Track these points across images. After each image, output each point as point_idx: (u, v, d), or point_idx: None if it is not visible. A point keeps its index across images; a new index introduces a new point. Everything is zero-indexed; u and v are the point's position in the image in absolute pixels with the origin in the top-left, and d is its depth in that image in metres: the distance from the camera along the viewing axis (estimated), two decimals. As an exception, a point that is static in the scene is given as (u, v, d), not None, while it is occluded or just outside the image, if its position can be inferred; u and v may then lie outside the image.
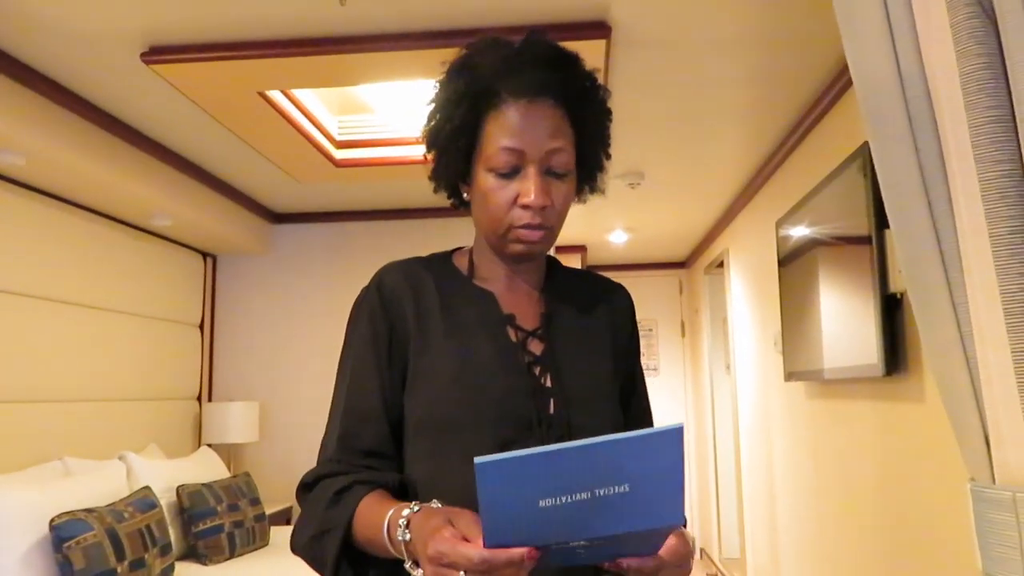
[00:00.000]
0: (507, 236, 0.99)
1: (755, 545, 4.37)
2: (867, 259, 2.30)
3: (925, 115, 1.01)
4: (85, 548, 2.50)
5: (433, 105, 1.03)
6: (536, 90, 0.97)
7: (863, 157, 2.31)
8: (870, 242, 2.27)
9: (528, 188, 0.95)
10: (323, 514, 0.96)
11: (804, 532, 3.32)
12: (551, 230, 1.00)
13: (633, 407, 1.12)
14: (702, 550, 6.01)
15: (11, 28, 2.33)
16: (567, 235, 5.10)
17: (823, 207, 2.73)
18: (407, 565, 0.85)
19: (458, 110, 0.99)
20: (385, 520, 0.86)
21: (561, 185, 0.99)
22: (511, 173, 0.97)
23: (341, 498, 0.95)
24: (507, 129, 0.96)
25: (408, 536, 0.84)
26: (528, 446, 0.94)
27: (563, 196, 1.00)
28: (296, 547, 0.99)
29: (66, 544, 2.46)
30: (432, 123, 1.03)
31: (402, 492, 1.00)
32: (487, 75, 0.98)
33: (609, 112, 1.06)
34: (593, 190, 1.10)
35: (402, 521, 0.85)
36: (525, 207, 0.96)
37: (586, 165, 1.05)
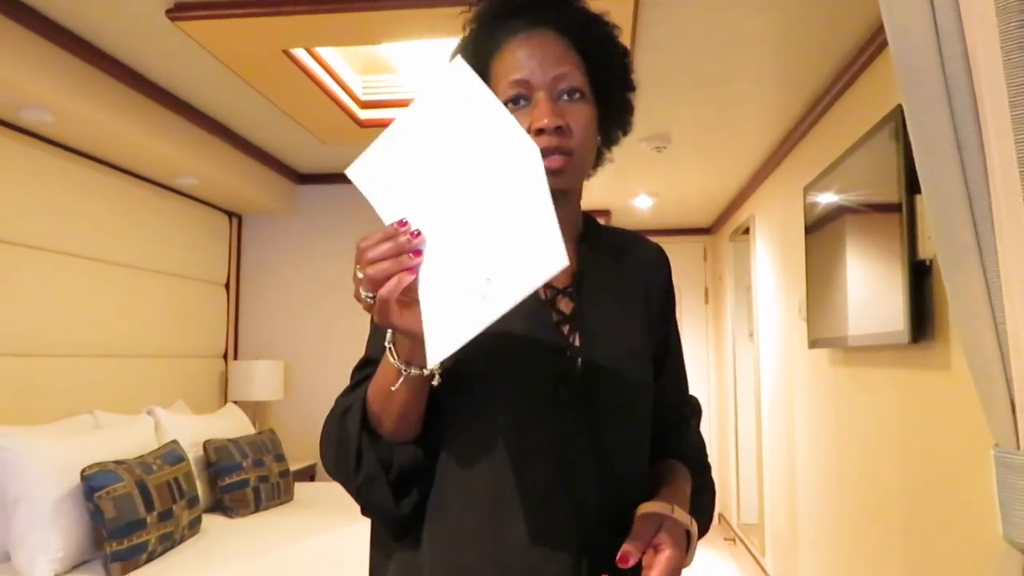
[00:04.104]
0: None
1: (773, 511, 4.39)
2: (896, 225, 2.27)
3: (961, 75, 0.99)
4: (115, 498, 2.56)
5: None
6: (534, 23, 0.97)
7: (895, 121, 2.27)
8: (900, 208, 2.24)
9: (539, 113, 0.93)
10: (340, 402, 0.99)
11: (823, 498, 3.33)
12: (572, 155, 0.95)
13: (667, 368, 1.10)
14: (720, 515, 6.04)
15: (39, -16, 2.34)
16: (591, 199, 5.07)
17: (853, 172, 2.69)
18: (397, 364, 0.87)
19: (465, 59, 0.99)
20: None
21: (576, 108, 0.96)
22: (522, 106, 0.96)
23: (355, 389, 0.99)
24: (510, 65, 0.96)
25: (391, 338, 0.88)
26: (552, 404, 0.95)
27: (581, 119, 0.96)
28: (322, 449, 0.99)
29: (97, 494, 2.53)
30: None
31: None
32: (488, 23, 0.99)
33: (621, 45, 1.03)
34: (622, 130, 1.07)
35: (389, 336, 0.88)
36: (540, 132, 0.93)
37: (603, 98, 1.01)
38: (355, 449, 0.93)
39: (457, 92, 0.82)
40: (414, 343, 0.84)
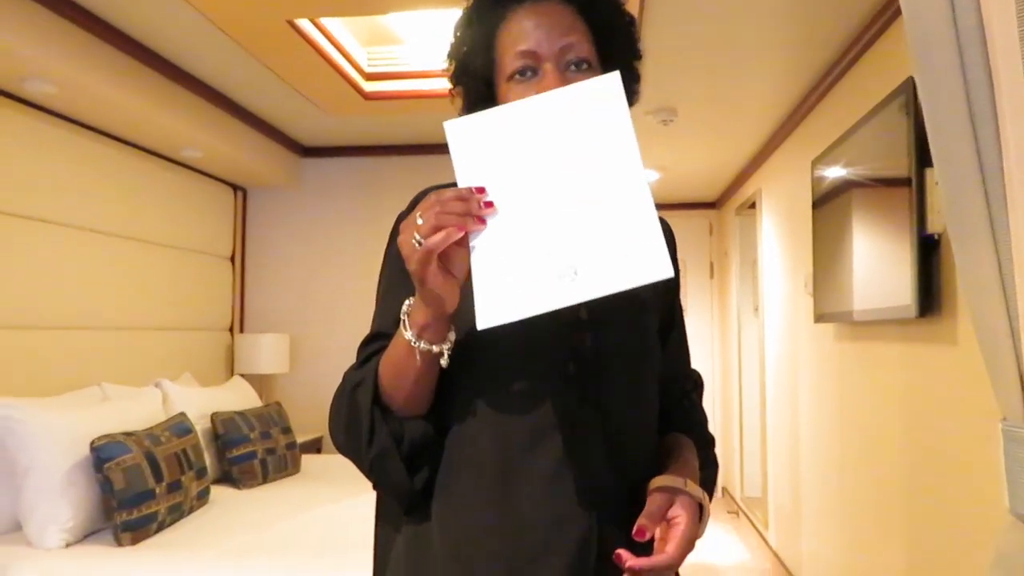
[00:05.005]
0: None
1: (777, 485, 4.41)
2: (905, 199, 2.25)
3: (976, 47, 0.98)
4: (125, 469, 2.58)
5: (452, 39, 1.03)
6: None
7: (906, 95, 2.24)
8: (909, 182, 2.22)
9: (547, 84, 0.93)
10: (350, 377, 0.99)
11: (827, 473, 3.35)
12: None
13: (670, 342, 1.11)
14: (724, 489, 6.08)
15: (41, -47, 2.31)
16: (597, 173, 5.03)
17: (861, 146, 2.67)
18: (408, 335, 0.88)
19: (469, 31, 0.99)
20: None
21: (584, 77, 0.95)
22: (529, 78, 0.95)
23: (364, 364, 0.99)
24: (516, 35, 0.95)
25: (408, 307, 0.89)
26: (561, 379, 0.95)
27: None
28: (332, 424, 0.99)
29: (106, 465, 2.55)
30: (450, 50, 1.03)
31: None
32: None
33: (627, 13, 1.03)
34: (629, 99, 1.06)
35: (405, 307, 0.89)
36: None
37: (610, 67, 0.99)
38: (367, 424, 0.93)
39: (596, 99, 0.85)
40: (433, 316, 0.85)
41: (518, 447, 0.94)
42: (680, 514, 0.89)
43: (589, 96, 0.85)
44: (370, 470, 0.95)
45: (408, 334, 0.87)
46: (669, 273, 0.79)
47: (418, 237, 0.81)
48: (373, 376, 0.94)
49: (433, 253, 0.81)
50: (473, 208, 0.82)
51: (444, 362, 0.89)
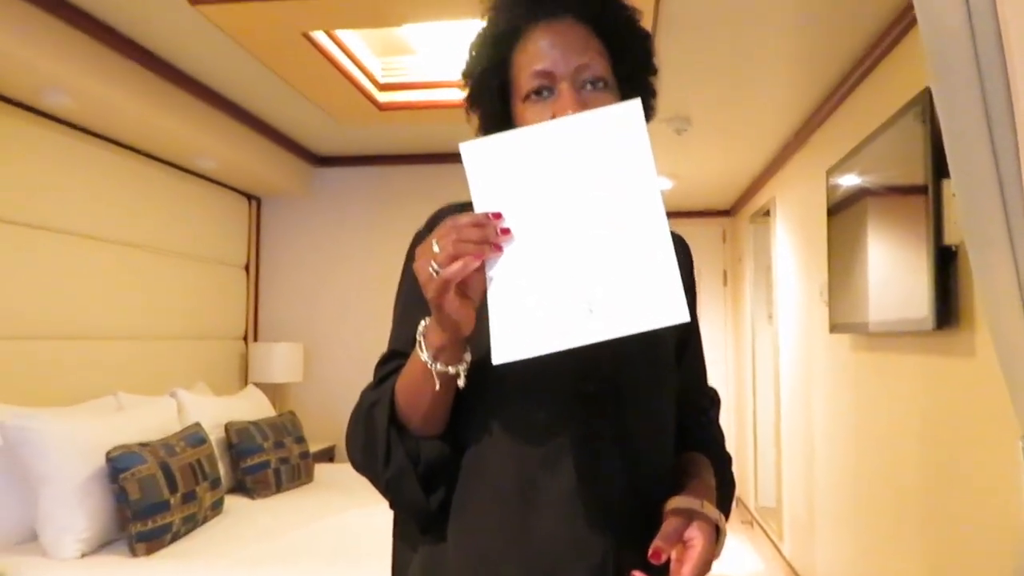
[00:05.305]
0: None
1: (791, 495, 4.38)
2: (922, 210, 2.24)
3: (994, 58, 0.97)
4: (140, 479, 2.59)
5: (467, 58, 1.03)
6: (554, 11, 0.96)
7: (922, 104, 2.23)
8: (926, 192, 2.21)
9: (563, 104, 0.92)
10: (367, 396, 0.99)
11: (842, 484, 3.32)
12: None
13: (687, 360, 1.10)
14: (738, 498, 6.04)
15: (59, -33, 2.34)
16: (610, 182, 5.03)
17: (877, 156, 2.66)
18: (424, 357, 0.88)
19: (484, 51, 0.99)
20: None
21: (600, 96, 0.95)
22: (545, 97, 0.95)
23: (381, 384, 0.99)
24: (532, 55, 0.95)
25: (424, 328, 0.89)
26: (578, 398, 0.94)
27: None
28: (349, 443, 1.00)
29: (122, 475, 2.56)
30: (465, 68, 1.03)
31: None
32: (507, 11, 0.98)
33: (642, 29, 1.02)
34: (645, 116, 1.06)
35: (421, 327, 0.89)
36: None
37: (626, 84, 1.00)
38: (384, 443, 0.93)
39: (616, 126, 0.84)
40: (449, 339, 0.85)
41: (535, 468, 0.93)
42: (696, 536, 0.88)
43: (609, 122, 0.84)
44: (387, 490, 0.96)
45: (424, 355, 0.87)
46: (685, 318, 0.79)
47: (435, 266, 0.81)
48: (390, 396, 0.94)
49: (450, 284, 0.81)
50: (490, 235, 0.82)
51: (461, 383, 0.88)
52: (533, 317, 0.81)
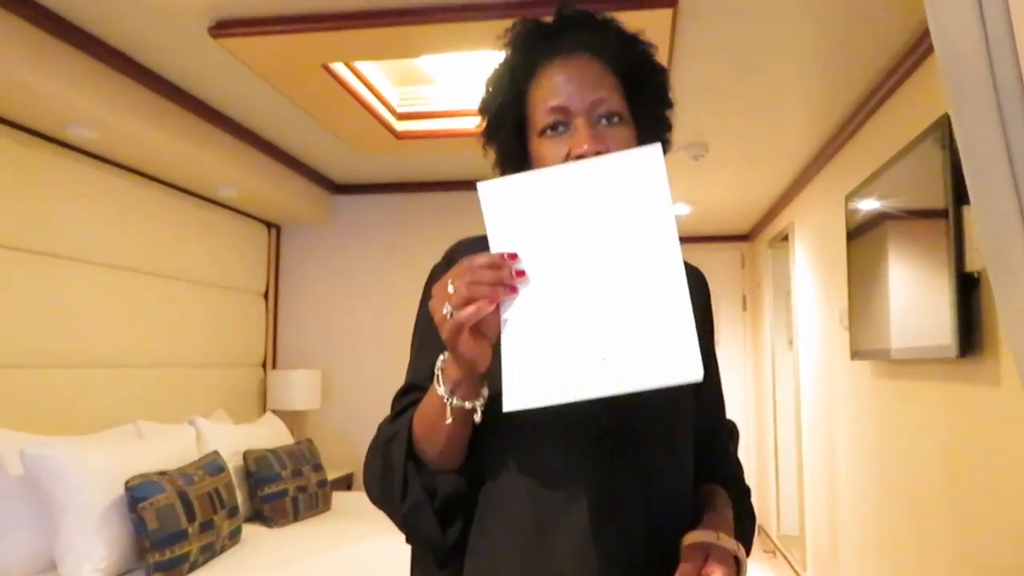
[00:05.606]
0: None
1: (814, 524, 4.31)
2: (942, 236, 2.22)
3: (1013, 86, 0.96)
4: (158, 509, 2.60)
5: (484, 94, 1.04)
6: (570, 48, 0.97)
7: (941, 129, 2.22)
8: (946, 218, 2.19)
9: (578, 139, 0.92)
10: (384, 430, 0.99)
11: (866, 513, 3.26)
12: None
13: (705, 394, 1.09)
14: (760, 526, 5.95)
15: (83, 2, 2.39)
16: (627, 207, 5.03)
17: (897, 181, 2.64)
18: (441, 391, 0.87)
19: (501, 86, 1.00)
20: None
21: (615, 131, 0.95)
22: (560, 132, 0.95)
23: (399, 417, 0.99)
24: (548, 91, 0.96)
25: (442, 363, 0.88)
26: (595, 435, 0.94)
27: (621, 143, 0.95)
28: (367, 477, 1.00)
29: (140, 505, 2.56)
30: (482, 103, 1.03)
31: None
32: (523, 47, 0.99)
33: (657, 64, 1.02)
34: (662, 149, 1.06)
35: (439, 362, 0.89)
36: (580, 157, 0.92)
37: (642, 118, 1.00)
38: (400, 478, 0.94)
39: (635, 171, 0.83)
40: (466, 374, 0.85)
41: (551, 505, 0.93)
42: (715, 571, 0.87)
43: (628, 166, 0.83)
44: (403, 523, 0.95)
45: (441, 390, 0.87)
46: (699, 377, 0.78)
47: (449, 308, 0.81)
48: (407, 430, 0.95)
49: (464, 327, 0.81)
50: (505, 277, 0.82)
51: (477, 418, 0.88)
52: (546, 365, 0.80)
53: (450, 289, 0.81)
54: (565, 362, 0.80)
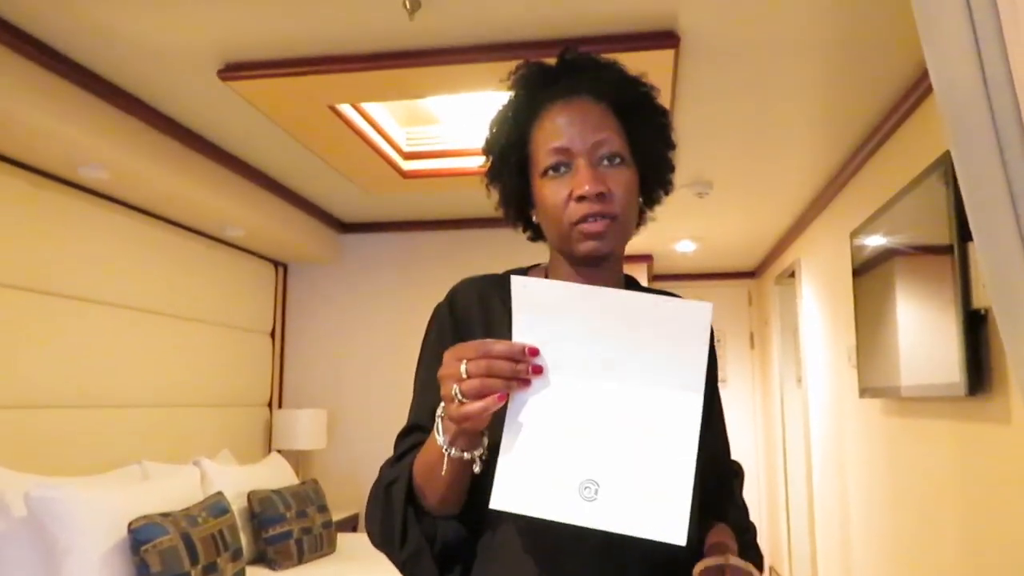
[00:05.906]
0: (571, 236, 0.96)
1: (826, 562, 4.23)
2: (948, 273, 2.21)
3: (1013, 125, 0.97)
4: (161, 551, 2.57)
5: (487, 135, 1.05)
6: (572, 90, 0.98)
7: (945, 166, 2.23)
8: (952, 254, 2.18)
9: (580, 180, 0.93)
10: (386, 474, 0.99)
11: (879, 551, 3.21)
12: (615, 219, 0.95)
13: (709, 435, 1.08)
14: (771, 568, 5.86)
15: (94, 45, 2.43)
16: (632, 245, 5.03)
17: (902, 218, 2.64)
18: (441, 441, 0.86)
19: (504, 128, 1.01)
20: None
21: (617, 173, 0.95)
22: (562, 173, 0.95)
23: (400, 460, 0.99)
24: (550, 132, 0.97)
25: (443, 412, 0.86)
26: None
27: (623, 184, 0.95)
28: (368, 520, 0.99)
29: (143, 547, 2.54)
30: (486, 144, 1.05)
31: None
32: (527, 90, 1.01)
33: (659, 106, 1.03)
34: (664, 190, 1.06)
35: (440, 410, 0.87)
36: (581, 199, 0.93)
37: (644, 159, 1.00)
38: (400, 523, 0.94)
39: (679, 321, 0.80)
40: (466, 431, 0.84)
41: (555, 551, 0.92)
42: None
43: (674, 314, 0.81)
44: (403, 568, 0.96)
45: (441, 439, 0.86)
46: (682, 542, 0.77)
47: (458, 393, 0.79)
48: (407, 475, 0.95)
49: (468, 421, 0.79)
50: (520, 372, 0.80)
51: (476, 469, 0.87)
52: (540, 477, 0.79)
53: (463, 370, 0.79)
54: (559, 481, 0.79)
